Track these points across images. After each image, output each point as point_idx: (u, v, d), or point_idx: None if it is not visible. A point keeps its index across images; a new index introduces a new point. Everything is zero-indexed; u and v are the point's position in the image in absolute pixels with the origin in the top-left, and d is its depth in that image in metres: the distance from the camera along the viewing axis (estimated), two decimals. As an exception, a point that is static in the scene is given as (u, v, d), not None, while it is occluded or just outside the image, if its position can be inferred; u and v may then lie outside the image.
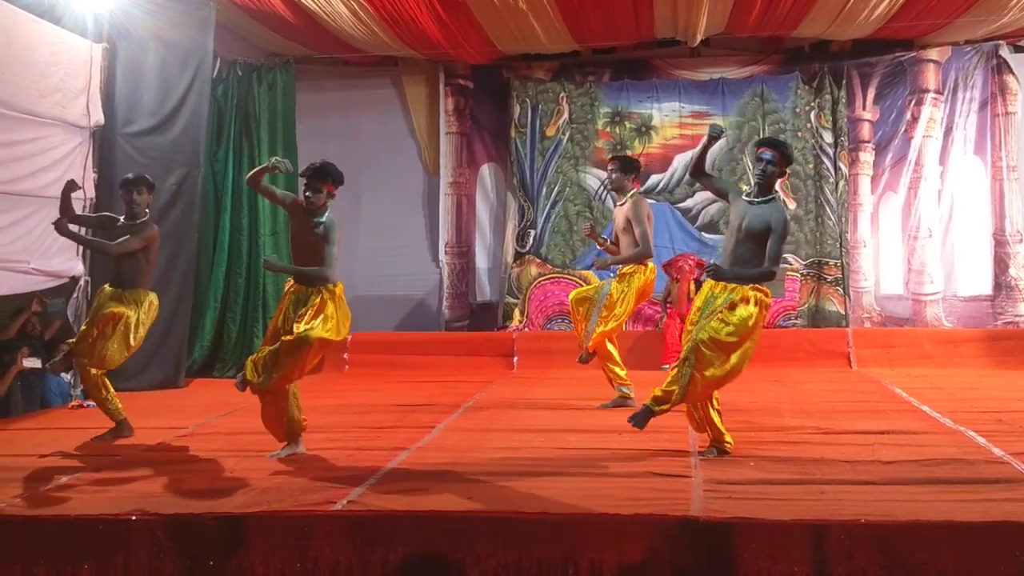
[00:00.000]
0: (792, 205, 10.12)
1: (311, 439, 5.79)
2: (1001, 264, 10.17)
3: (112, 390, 5.99)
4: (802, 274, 10.20)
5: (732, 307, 4.95)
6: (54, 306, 8.08)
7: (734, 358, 4.97)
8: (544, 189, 10.82)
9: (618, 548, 3.76)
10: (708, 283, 5.16)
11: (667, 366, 8.90)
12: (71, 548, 3.99)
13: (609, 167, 6.98)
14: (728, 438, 5.17)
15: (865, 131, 10.57)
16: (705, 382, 4.95)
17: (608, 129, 10.79)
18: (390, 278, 10.80)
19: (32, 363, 7.66)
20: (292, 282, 5.33)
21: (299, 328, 5.04)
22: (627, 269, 6.78)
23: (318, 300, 5.15)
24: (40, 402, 7.81)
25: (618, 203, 6.96)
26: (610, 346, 6.92)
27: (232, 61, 9.86)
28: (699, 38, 9.92)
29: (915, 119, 10.37)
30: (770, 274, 5.05)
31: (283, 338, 5.08)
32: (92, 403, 7.54)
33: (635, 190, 6.88)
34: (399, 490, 4.43)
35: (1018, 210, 10.16)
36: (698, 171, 5.38)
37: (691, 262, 9.63)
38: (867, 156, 10.55)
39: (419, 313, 10.82)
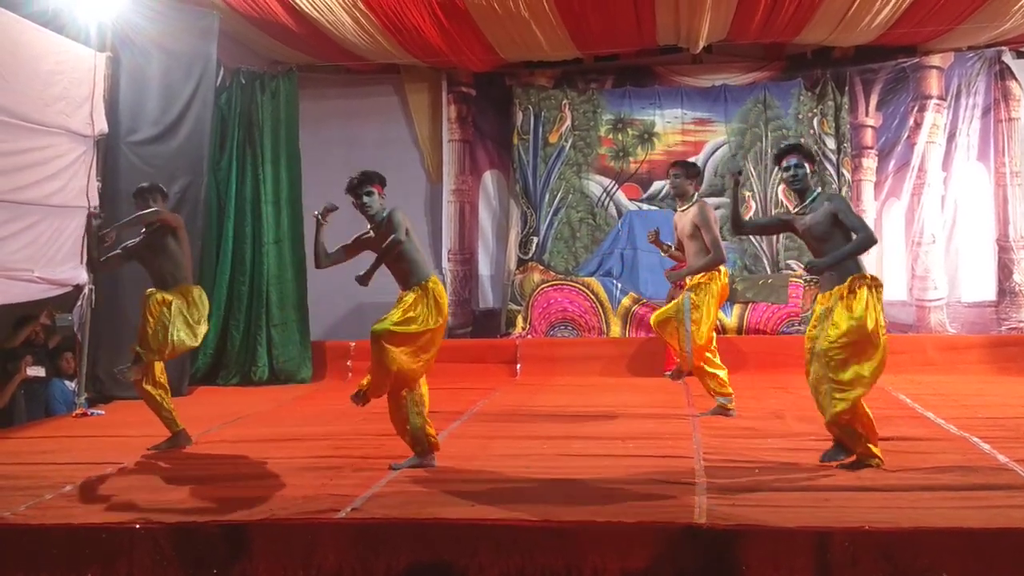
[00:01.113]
0: (795, 210, 10.09)
1: (313, 447, 5.81)
2: (1005, 270, 10.16)
3: (169, 398, 5.98)
4: (805, 280, 10.18)
5: (841, 300, 4.85)
6: (63, 320, 8.07)
7: (871, 351, 4.79)
8: (547, 196, 10.82)
9: (621, 555, 3.76)
10: (819, 298, 5.05)
11: (668, 374, 8.92)
12: (74, 557, 3.99)
13: (671, 172, 6.82)
14: (878, 453, 4.94)
15: (868, 137, 10.57)
16: (848, 384, 4.77)
17: (611, 136, 10.80)
18: (394, 285, 10.80)
19: (36, 372, 7.67)
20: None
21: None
22: (700, 278, 6.62)
23: (408, 298, 5.14)
24: (44, 410, 7.82)
25: (680, 208, 6.79)
26: (708, 357, 6.75)
27: (235, 69, 9.88)
28: (701, 45, 9.94)
29: (918, 125, 10.37)
30: (868, 240, 4.93)
31: None
32: (97, 411, 7.61)
33: (697, 194, 6.80)
34: (403, 498, 4.44)
35: (1022, 216, 10.15)
36: (738, 225, 5.38)
37: (695, 269, 9.63)
38: (870, 162, 10.55)
39: (422, 320, 10.80)
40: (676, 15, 9.25)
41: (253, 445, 5.95)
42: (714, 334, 6.88)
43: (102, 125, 8.10)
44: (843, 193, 10.33)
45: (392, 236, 5.13)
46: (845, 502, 4.21)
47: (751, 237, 10.42)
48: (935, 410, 6.70)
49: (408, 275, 5.21)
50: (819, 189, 5.21)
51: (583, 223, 10.77)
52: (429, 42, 9.55)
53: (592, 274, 10.61)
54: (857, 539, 3.67)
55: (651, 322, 7.05)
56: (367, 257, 5.37)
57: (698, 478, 4.71)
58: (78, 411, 7.57)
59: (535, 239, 10.82)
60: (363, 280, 5.14)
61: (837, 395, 4.79)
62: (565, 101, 10.83)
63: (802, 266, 5.03)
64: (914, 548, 3.65)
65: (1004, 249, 10.18)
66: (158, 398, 5.92)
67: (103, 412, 7.64)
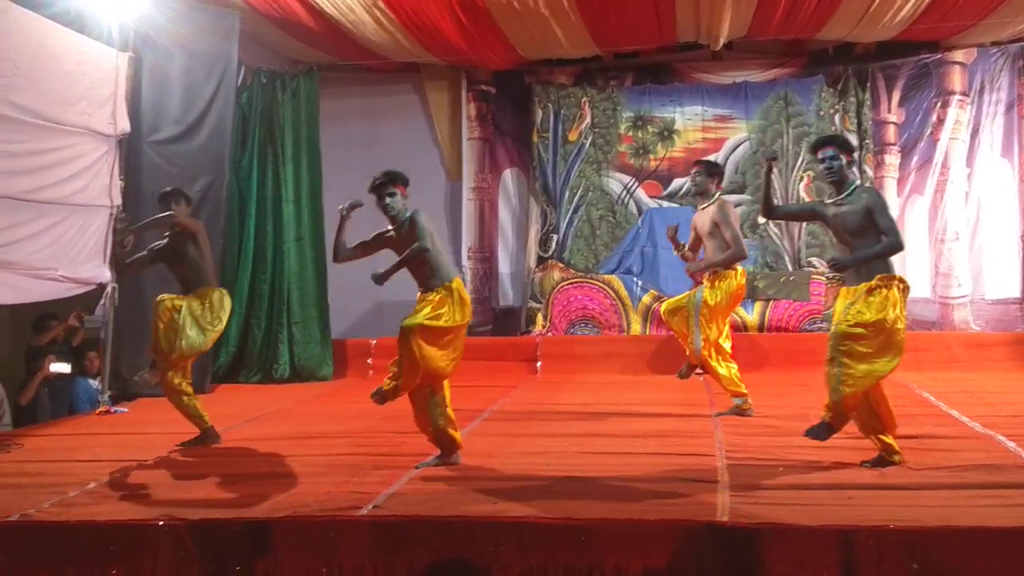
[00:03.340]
0: (829, 200, 9.94)
1: (335, 444, 5.83)
2: (1029, 266, 10.06)
3: (193, 395, 6.01)
4: (828, 277, 10.11)
5: (868, 294, 4.80)
6: (91, 322, 8.11)
7: (890, 350, 4.74)
8: (567, 194, 10.81)
9: (643, 553, 3.74)
10: (842, 291, 5.02)
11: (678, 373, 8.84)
12: (99, 553, 4.02)
13: (693, 171, 6.84)
14: (897, 449, 4.92)
15: (890, 134, 10.49)
16: (861, 376, 4.74)
17: (631, 133, 10.77)
18: (413, 283, 10.81)
19: (60, 368, 7.72)
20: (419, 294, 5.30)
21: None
22: (710, 274, 6.64)
23: (433, 296, 5.15)
24: (68, 408, 7.88)
25: (700, 207, 6.80)
26: (716, 359, 6.71)
27: (256, 69, 9.93)
28: (722, 41, 9.89)
29: (941, 121, 10.27)
30: (896, 246, 4.84)
31: None
32: (121, 408, 7.66)
33: (719, 192, 6.80)
34: (424, 496, 4.44)
35: (1047, 212, 10.06)
36: (769, 209, 5.28)
37: (718, 268, 9.57)
38: (892, 159, 10.47)
39: (442, 318, 10.80)
40: (696, 12, 9.20)
41: (274, 443, 5.97)
42: (730, 332, 6.88)
43: (124, 124, 8.15)
44: (866, 190, 10.25)
45: (418, 244, 5.11)
46: (869, 500, 4.18)
47: (772, 233, 10.37)
48: (960, 408, 6.63)
49: (430, 278, 5.20)
50: (857, 181, 5.11)
51: (603, 221, 10.75)
52: (449, 40, 9.55)
53: (612, 272, 10.59)
54: (882, 538, 3.64)
55: (661, 311, 7.06)
56: (385, 254, 5.37)
57: (720, 476, 4.69)
58: (101, 409, 7.63)
59: (555, 237, 10.81)
60: (380, 279, 5.11)
61: (847, 385, 4.73)
62: (585, 99, 10.81)
63: (824, 263, 4.92)
64: (940, 547, 3.62)
65: (1029, 245, 10.08)
66: (184, 399, 5.95)
67: (126, 410, 7.70)
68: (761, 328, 9.95)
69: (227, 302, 6.10)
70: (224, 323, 6.08)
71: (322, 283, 9.82)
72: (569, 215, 10.80)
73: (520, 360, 9.70)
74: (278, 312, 9.69)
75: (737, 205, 10.44)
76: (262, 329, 9.68)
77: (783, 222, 10.36)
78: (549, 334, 10.35)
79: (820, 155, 5.06)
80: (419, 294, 5.30)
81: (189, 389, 5.98)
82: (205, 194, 8.59)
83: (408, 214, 5.25)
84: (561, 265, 10.73)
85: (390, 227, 5.31)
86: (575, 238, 10.77)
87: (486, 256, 11.01)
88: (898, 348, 4.80)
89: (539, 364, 9.65)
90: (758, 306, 10.01)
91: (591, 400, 7.55)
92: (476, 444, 5.80)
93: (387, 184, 5.22)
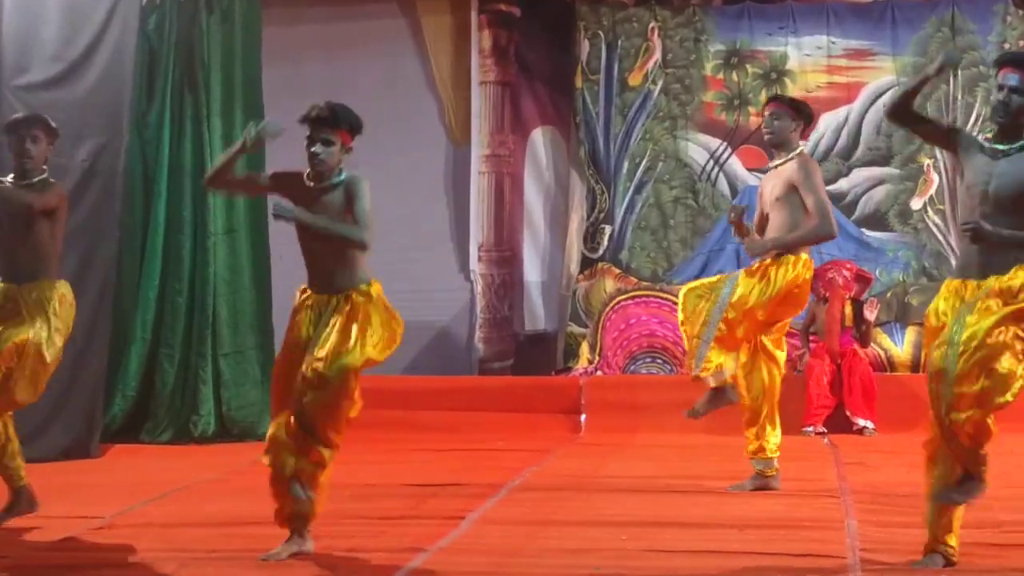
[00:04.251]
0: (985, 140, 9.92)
1: (281, 534, 5.79)
2: None
3: (16, 442, 6.06)
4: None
5: (998, 294, 4.76)
6: None
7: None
8: (626, 164, 10.84)
9: None
10: (951, 283, 5.02)
11: (810, 429, 8.76)
12: None
13: (768, 111, 6.84)
14: (953, 542, 4.96)
15: (1109, 77, 10.41)
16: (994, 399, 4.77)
17: (721, 75, 10.80)
18: (398, 296, 10.59)
19: None
20: (305, 291, 5.40)
21: (320, 355, 5.10)
22: (768, 259, 6.61)
23: (348, 308, 5.20)
24: None
25: (774, 163, 6.84)
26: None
27: (170, -19, 9.98)
28: (858, -60, 9.89)
29: None
30: None
31: (305, 376, 5.12)
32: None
33: (802, 146, 6.81)
34: (411, 612, 4.43)
35: None
36: (905, 108, 5.21)
37: (846, 273, 9.52)
38: (1113, 114, 10.39)
39: (440, 348, 10.83)
40: None
41: (192, 531, 5.97)
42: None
43: (-25, 62, 8.21)
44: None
45: (356, 232, 5.22)
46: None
47: (931, 224, 10.38)
48: None
49: (337, 273, 5.29)
50: None
51: (679, 205, 10.77)
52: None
53: (693, 280, 10.55)
54: None
55: (680, 293, 7.07)
56: None
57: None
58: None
59: (608, 228, 10.82)
60: (286, 217, 5.21)
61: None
62: (653, 24, 10.85)
63: (971, 223, 4.87)
64: None
65: None
66: (8, 448, 6.02)
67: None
68: (916, 367, 9.87)
69: (69, 305, 6.09)
70: (65, 337, 6.08)
71: (263, 296, 9.86)
72: (629, 196, 10.82)
73: (556, 411, 9.71)
74: (199, 338, 9.70)
75: (880, 183, 10.43)
76: (175, 363, 9.70)
77: (946, 210, 10.31)
78: (599, 373, 10.34)
79: (1001, 78, 5.00)
80: (306, 291, 5.40)
81: (12, 434, 6.04)
82: (94, 164, 8.65)
83: (343, 177, 5.31)
84: (617, 270, 10.73)
85: (308, 178, 5.33)
86: (638, 231, 10.80)
87: (506, 257, 11.05)
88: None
89: (584, 417, 9.65)
90: (911, 333, 9.94)
91: (661, 472, 7.56)
92: (490, 536, 5.79)
93: (328, 123, 5.24)
